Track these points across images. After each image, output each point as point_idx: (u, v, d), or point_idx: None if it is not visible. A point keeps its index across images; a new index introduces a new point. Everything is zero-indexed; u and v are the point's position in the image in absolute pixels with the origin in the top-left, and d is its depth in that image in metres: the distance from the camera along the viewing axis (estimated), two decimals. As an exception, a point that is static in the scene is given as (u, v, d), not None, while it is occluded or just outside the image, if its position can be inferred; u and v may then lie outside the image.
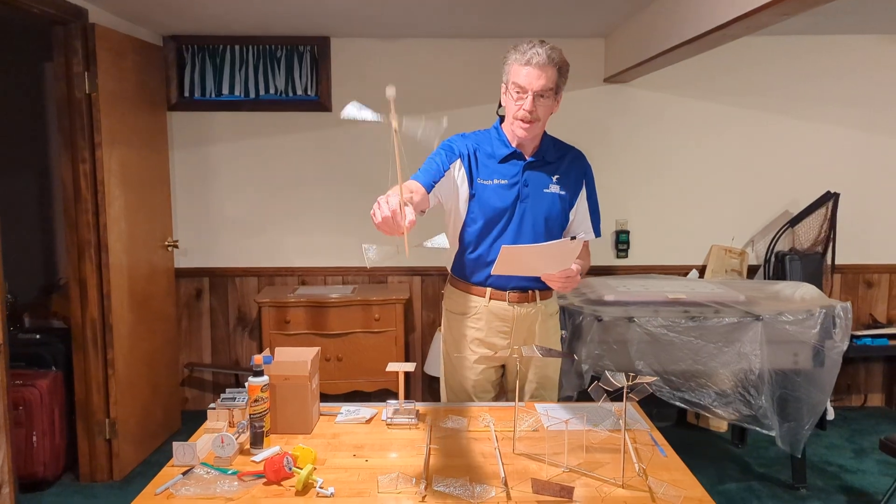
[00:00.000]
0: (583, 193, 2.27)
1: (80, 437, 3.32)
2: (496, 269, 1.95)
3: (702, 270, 4.21)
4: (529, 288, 2.21)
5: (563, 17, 3.53)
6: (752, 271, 4.21)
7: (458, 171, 2.12)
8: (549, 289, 2.20)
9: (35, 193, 4.21)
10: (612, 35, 3.93)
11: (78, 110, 3.14)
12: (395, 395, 2.07)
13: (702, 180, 4.19)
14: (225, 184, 4.16)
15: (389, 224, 1.58)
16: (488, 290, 2.20)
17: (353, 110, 1.49)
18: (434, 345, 4.01)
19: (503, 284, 2.19)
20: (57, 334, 3.50)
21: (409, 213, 1.59)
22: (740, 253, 4.19)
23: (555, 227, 2.21)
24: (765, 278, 4.10)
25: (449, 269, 2.31)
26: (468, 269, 2.21)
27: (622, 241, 4.21)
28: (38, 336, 3.45)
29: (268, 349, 1.99)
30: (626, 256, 4.24)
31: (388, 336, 3.88)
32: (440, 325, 4.14)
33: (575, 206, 2.26)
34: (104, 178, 3.20)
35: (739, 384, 3.07)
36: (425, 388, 4.26)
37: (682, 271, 4.22)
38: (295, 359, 1.96)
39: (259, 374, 1.81)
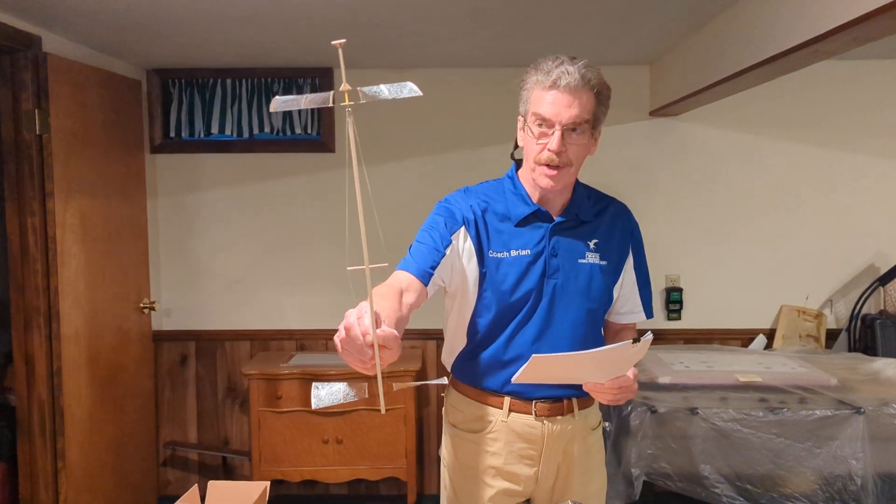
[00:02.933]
0: (629, 261, 1.69)
1: (24, 544, 2.78)
2: (519, 378, 1.38)
3: (770, 335, 3.55)
4: (564, 396, 1.61)
5: (599, 40, 2.98)
6: (831, 336, 3.53)
7: (462, 244, 1.56)
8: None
9: (2, 246, 3.75)
10: (660, 61, 3.37)
11: (26, 154, 2.66)
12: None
13: (768, 229, 3.55)
14: (214, 235, 3.65)
15: (360, 356, 1.08)
16: (507, 399, 1.61)
17: (280, 102, 1.01)
18: (452, 423, 3.40)
19: (528, 392, 1.59)
20: (5, 416, 2.98)
21: (392, 342, 1.08)
22: (816, 315, 3.53)
23: (596, 309, 1.63)
24: (849, 346, 3.42)
25: (449, 368, 1.72)
26: (479, 371, 1.63)
27: (674, 301, 3.58)
28: (-18, 418, 2.94)
29: (195, 487, 1.42)
30: (679, 318, 3.60)
31: (397, 414, 3.29)
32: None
33: (620, 279, 1.67)
34: (56, 233, 2.70)
35: (836, 495, 2.41)
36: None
37: (747, 336, 3.57)
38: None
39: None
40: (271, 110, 1.11)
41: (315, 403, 1.05)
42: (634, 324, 1.73)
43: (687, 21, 2.69)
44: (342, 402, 1.04)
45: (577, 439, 1.64)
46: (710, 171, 3.55)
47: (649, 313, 1.72)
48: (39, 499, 2.75)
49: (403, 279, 1.43)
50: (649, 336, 1.36)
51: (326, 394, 1.05)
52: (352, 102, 0.98)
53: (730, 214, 3.56)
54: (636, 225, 1.72)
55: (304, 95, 1.02)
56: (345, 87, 0.98)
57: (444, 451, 1.75)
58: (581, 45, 3.04)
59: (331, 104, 1.00)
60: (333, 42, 1.00)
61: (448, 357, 1.72)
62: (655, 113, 3.47)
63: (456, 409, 1.70)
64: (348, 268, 1.05)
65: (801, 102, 3.47)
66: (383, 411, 1.07)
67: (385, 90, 1.01)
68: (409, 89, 1.01)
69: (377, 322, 1.09)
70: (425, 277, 1.45)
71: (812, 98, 3.47)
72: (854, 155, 3.49)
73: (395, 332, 1.11)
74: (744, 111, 3.48)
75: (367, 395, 1.06)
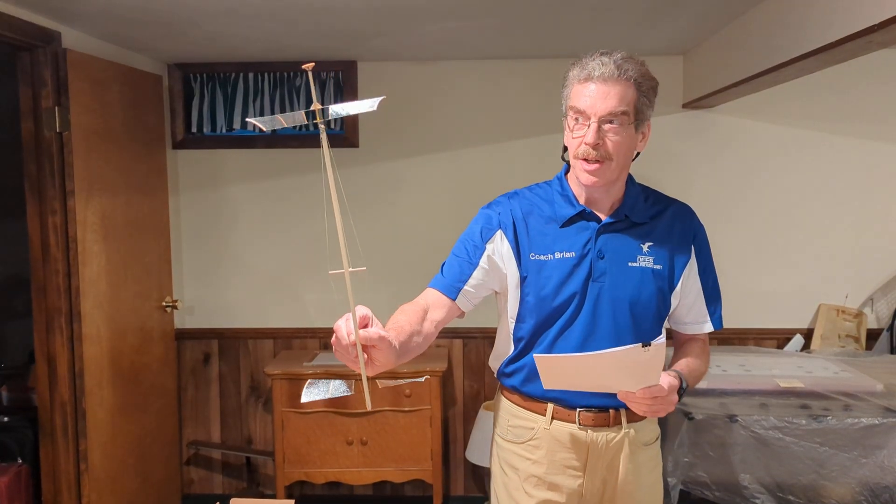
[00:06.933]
0: (692, 267, 1.60)
1: (47, 546, 2.76)
2: (545, 383, 1.33)
3: (807, 335, 3.43)
4: (611, 406, 1.53)
5: (630, 30, 2.87)
6: (871, 336, 3.40)
7: (500, 247, 1.51)
8: None
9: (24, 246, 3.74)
10: (694, 51, 3.25)
11: (47, 152, 2.62)
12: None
13: (806, 225, 3.43)
14: (237, 232, 3.61)
15: (348, 355, 1.18)
16: (550, 406, 1.54)
17: (260, 122, 1.17)
18: (479, 424, 3.34)
19: (571, 400, 1.52)
20: (29, 417, 2.97)
21: (376, 341, 1.19)
22: (856, 314, 3.40)
23: (646, 316, 1.54)
24: (890, 347, 3.29)
25: (496, 373, 1.67)
26: (522, 377, 1.57)
27: (707, 299, 3.46)
28: (6, 419, 2.92)
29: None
30: (712, 317, 3.48)
31: (422, 415, 3.21)
32: (484, 403, 3.48)
33: (679, 286, 1.58)
34: (77, 232, 2.66)
35: (883, 507, 2.30)
36: (468, 475, 3.57)
37: (783, 336, 3.45)
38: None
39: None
40: (250, 128, 1.24)
41: (304, 398, 1.13)
42: (703, 335, 1.65)
43: (725, 8, 2.57)
44: (327, 397, 1.14)
45: (624, 452, 1.56)
46: (745, 165, 3.43)
47: (717, 324, 1.63)
48: (62, 500, 2.73)
49: (430, 297, 1.47)
50: (661, 339, 1.28)
51: (314, 391, 1.14)
52: (322, 120, 1.11)
53: (765, 209, 3.44)
54: (700, 227, 1.63)
55: (281, 114, 1.17)
56: (315, 105, 1.11)
57: (492, 459, 1.70)
58: (611, 34, 2.93)
59: (305, 122, 1.13)
60: (304, 66, 1.14)
61: (495, 362, 1.68)
62: (689, 105, 3.36)
63: (500, 416, 1.66)
64: (330, 272, 1.19)
65: (842, 94, 3.33)
66: (369, 407, 1.14)
67: (351, 107, 1.18)
68: (369, 105, 1.15)
69: (365, 324, 1.20)
70: (452, 292, 1.46)
71: (853, 89, 3.32)
72: (898, 148, 3.36)
73: (381, 333, 1.18)
74: (781, 103, 3.35)
75: (351, 392, 1.16)
